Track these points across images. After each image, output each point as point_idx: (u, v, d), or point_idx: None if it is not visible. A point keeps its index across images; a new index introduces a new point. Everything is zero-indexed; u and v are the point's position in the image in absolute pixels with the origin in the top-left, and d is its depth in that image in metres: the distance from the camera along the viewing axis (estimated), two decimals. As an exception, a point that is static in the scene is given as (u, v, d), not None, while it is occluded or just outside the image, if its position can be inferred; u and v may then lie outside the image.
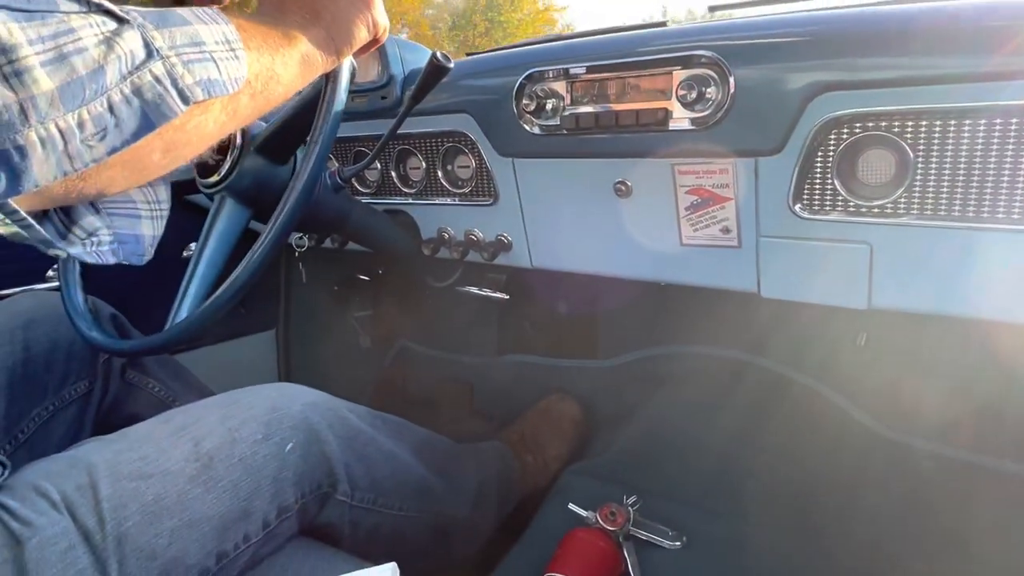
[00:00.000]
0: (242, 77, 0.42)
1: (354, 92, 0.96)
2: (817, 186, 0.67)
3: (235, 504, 0.56)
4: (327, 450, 0.64)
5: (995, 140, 0.57)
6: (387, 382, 1.42)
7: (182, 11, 0.40)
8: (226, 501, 0.56)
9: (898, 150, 0.62)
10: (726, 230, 0.75)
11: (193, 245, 0.80)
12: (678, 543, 0.83)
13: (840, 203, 0.67)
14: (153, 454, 0.55)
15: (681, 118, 0.71)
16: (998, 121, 0.56)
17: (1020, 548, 0.75)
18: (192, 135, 0.41)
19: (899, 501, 0.86)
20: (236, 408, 0.62)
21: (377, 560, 0.59)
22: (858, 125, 0.63)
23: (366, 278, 1.40)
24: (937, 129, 0.59)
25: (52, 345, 0.78)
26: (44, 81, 0.31)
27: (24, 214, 0.35)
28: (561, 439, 1.07)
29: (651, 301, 1.15)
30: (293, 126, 0.78)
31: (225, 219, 0.79)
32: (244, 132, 0.79)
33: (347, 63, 0.66)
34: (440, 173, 0.97)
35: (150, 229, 0.43)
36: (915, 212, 0.63)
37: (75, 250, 0.40)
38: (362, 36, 0.56)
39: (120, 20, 0.36)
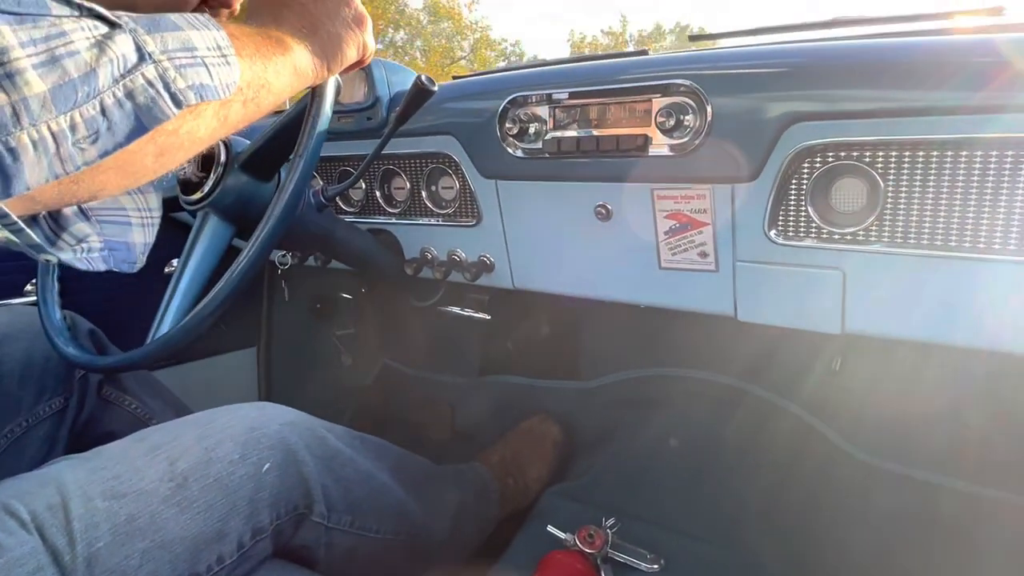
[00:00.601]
0: (234, 83, 0.42)
1: (340, 112, 0.97)
2: (791, 213, 0.69)
3: (209, 525, 0.55)
4: (304, 471, 0.64)
5: (961, 170, 0.59)
6: (368, 401, 1.42)
7: (174, 17, 0.41)
8: (200, 522, 0.55)
9: (869, 179, 0.64)
10: (704, 254, 0.76)
11: (175, 261, 0.80)
12: (656, 566, 0.83)
13: (814, 230, 0.68)
14: (127, 473, 0.54)
15: (660, 144, 0.73)
16: (964, 153, 0.58)
17: (991, 570, 0.76)
18: (184, 140, 0.41)
19: (880, 526, 0.86)
20: (213, 427, 0.61)
21: None
22: (831, 154, 0.65)
23: (349, 297, 1.40)
24: (907, 159, 0.61)
25: (27, 360, 0.77)
26: (36, 83, 0.31)
27: (15, 218, 0.35)
28: (542, 461, 1.06)
29: (633, 323, 1.16)
30: (277, 143, 0.79)
31: (208, 236, 0.79)
32: (228, 149, 0.80)
33: (332, 80, 0.67)
34: (424, 193, 0.98)
35: (141, 236, 0.43)
36: (886, 240, 0.64)
37: (65, 256, 0.39)
38: (351, 55, 0.57)
39: (111, 24, 0.36)
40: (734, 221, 0.72)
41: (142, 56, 0.36)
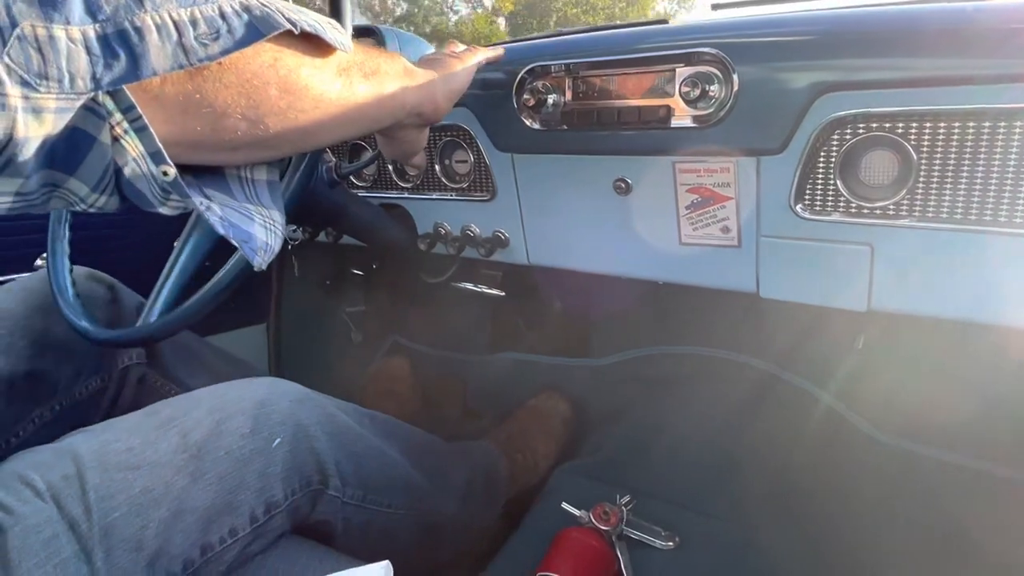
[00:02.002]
0: (347, 44, 0.44)
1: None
2: (819, 186, 0.67)
3: (220, 497, 0.55)
4: (316, 446, 0.63)
5: (999, 143, 0.57)
6: (378, 378, 1.41)
7: None
8: (212, 493, 0.55)
9: (901, 152, 0.62)
10: (726, 229, 0.74)
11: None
12: (671, 543, 0.83)
13: (842, 204, 0.66)
14: (140, 445, 0.53)
15: (683, 115, 0.71)
16: (1002, 124, 0.56)
17: (1018, 552, 0.75)
18: (309, 84, 0.43)
19: (894, 504, 0.86)
20: (224, 401, 0.61)
21: (367, 558, 0.58)
22: (861, 126, 0.63)
23: (360, 273, 1.39)
24: (941, 131, 0.59)
25: (46, 335, 0.76)
26: None
27: (140, 113, 0.34)
28: (550, 438, 1.06)
29: (647, 300, 1.14)
30: None
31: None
32: None
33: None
34: (438, 167, 0.96)
35: (263, 235, 0.42)
36: (917, 214, 0.63)
37: (193, 193, 0.39)
38: (463, 75, 0.67)
39: None
40: (759, 195, 0.70)
41: None
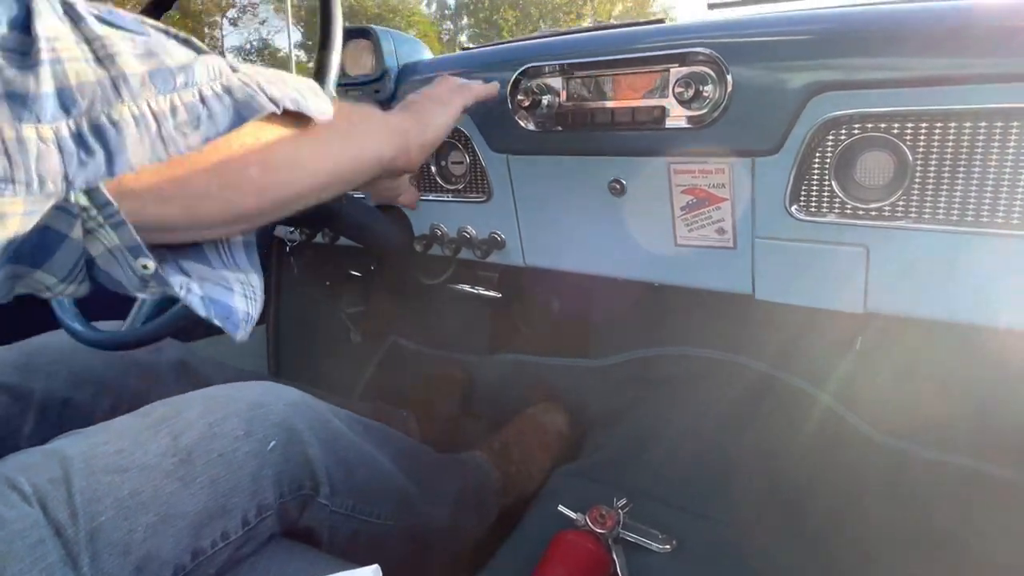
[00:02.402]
0: (327, 112, 0.43)
1: (347, 85, 0.95)
2: (814, 187, 0.66)
3: (213, 500, 0.55)
4: (309, 452, 0.63)
5: (995, 143, 0.56)
6: (376, 379, 1.41)
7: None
8: (204, 497, 0.55)
9: (897, 152, 0.62)
10: (721, 231, 0.74)
11: None
12: (668, 546, 0.82)
13: (837, 205, 0.66)
14: (130, 447, 0.53)
15: (678, 116, 0.70)
16: (999, 124, 0.56)
17: (1016, 553, 0.74)
18: (287, 160, 0.42)
19: (893, 506, 0.85)
20: (217, 403, 0.60)
21: (355, 566, 0.57)
22: (857, 126, 0.62)
23: (358, 274, 1.39)
24: (937, 131, 0.58)
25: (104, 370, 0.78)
26: (135, 64, 0.31)
27: (116, 208, 0.33)
28: (545, 451, 1.05)
29: (644, 301, 1.14)
30: None
31: None
32: None
33: (336, 58, 0.67)
34: (433, 168, 0.96)
35: (243, 305, 0.41)
36: (913, 215, 0.62)
37: (173, 278, 0.38)
38: (445, 116, 0.67)
39: (201, 52, 0.36)
40: (754, 196, 0.70)
41: (234, 69, 0.37)
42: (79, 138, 0.30)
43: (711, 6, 0.87)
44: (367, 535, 0.69)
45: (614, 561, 0.79)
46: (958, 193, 0.59)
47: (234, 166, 0.38)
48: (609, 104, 0.75)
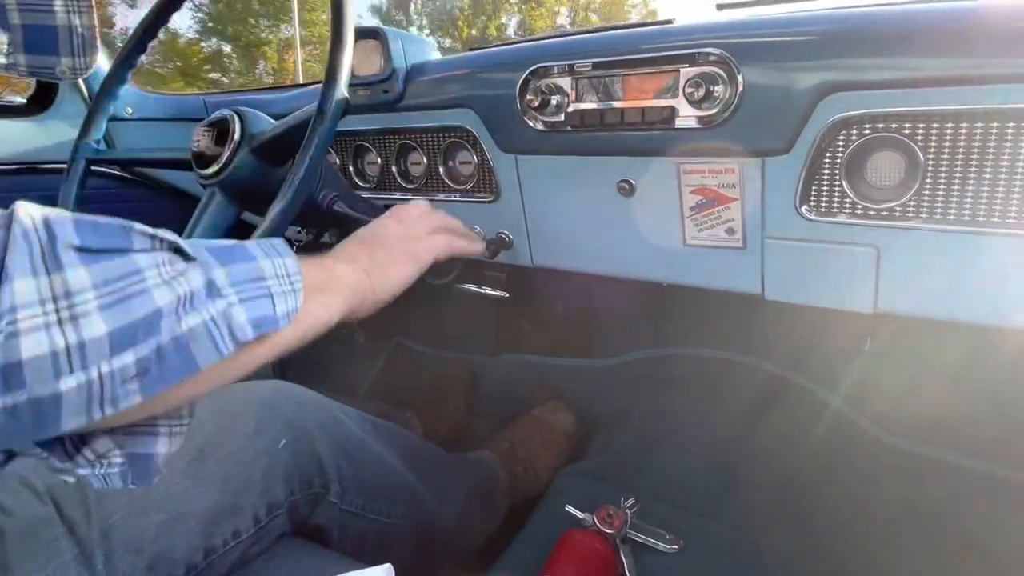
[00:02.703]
0: (296, 311, 0.42)
1: (356, 85, 0.95)
2: (825, 187, 0.66)
3: (224, 499, 0.55)
4: (319, 450, 0.63)
5: (1008, 144, 0.56)
6: (381, 379, 1.41)
7: (248, 245, 0.41)
8: (215, 495, 0.55)
9: (908, 152, 0.62)
10: (731, 231, 0.74)
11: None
12: (675, 546, 0.82)
13: (848, 205, 0.66)
14: None
15: (688, 116, 0.70)
16: (1011, 124, 0.56)
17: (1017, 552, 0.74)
18: (231, 372, 0.41)
19: (904, 509, 0.85)
20: (228, 403, 0.61)
21: (363, 565, 0.57)
22: (867, 126, 0.62)
23: None
24: (949, 132, 0.58)
25: None
26: (99, 326, 0.31)
27: (38, 448, 0.34)
28: (552, 451, 1.05)
29: (650, 302, 1.14)
30: (295, 134, 0.76)
31: (212, 213, 0.78)
32: (243, 125, 0.78)
33: (347, 65, 0.67)
34: (441, 169, 0.96)
35: (165, 447, 0.41)
36: (924, 215, 0.62)
37: (83, 471, 0.37)
38: (402, 283, 0.59)
39: (186, 258, 0.36)
40: (764, 196, 0.70)
41: (210, 291, 0.36)
42: (12, 411, 0.29)
43: (720, 7, 0.87)
44: (376, 534, 0.69)
45: (622, 561, 0.79)
46: (970, 193, 0.59)
47: (172, 395, 0.37)
48: (619, 104, 0.75)
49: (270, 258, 0.42)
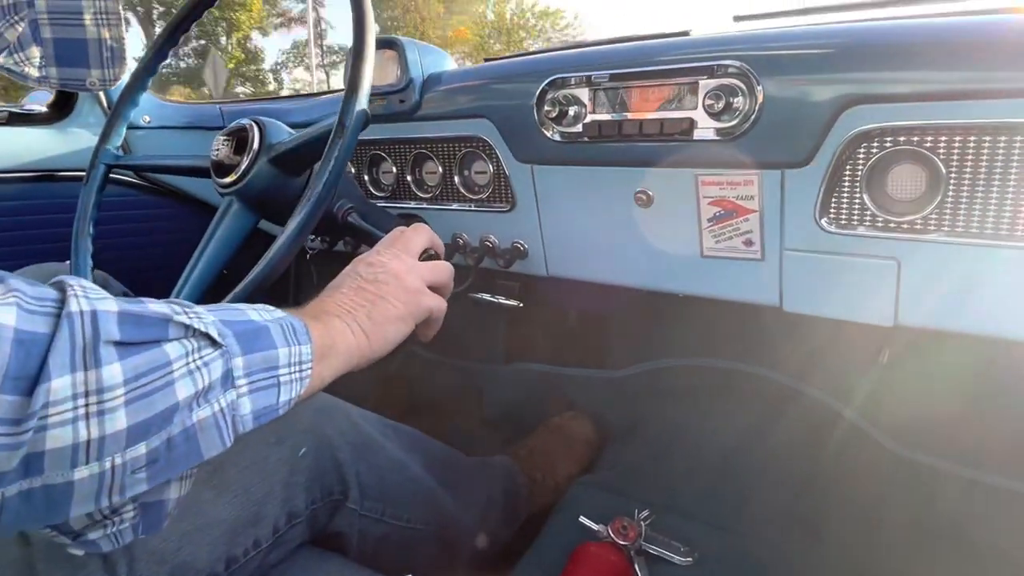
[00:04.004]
0: (297, 397, 0.44)
1: (372, 95, 0.95)
2: (845, 200, 0.66)
3: (246, 509, 0.55)
4: (339, 457, 0.63)
5: (1031, 157, 0.56)
6: (393, 388, 1.41)
7: (274, 332, 0.43)
8: (237, 506, 0.55)
9: (930, 165, 0.61)
10: (749, 242, 0.74)
11: None
12: (690, 559, 0.82)
13: (868, 218, 0.66)
14: None
15: (706, 128, 0.70)
16: (1035, 138, 0.55)
17: None
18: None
19: (915, 520, 0.84)
20: None
21: (382, 571, 0.57)
22: (888, 139, 0.62)
23: None
24: (971, 145, 0.58)
25: None
26: (121, 421, 0.32)
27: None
28: (572, 460, 1.05)
29: (664, 312, 1.14)
30: (314, 146, 0.76)
31: (230, 222, 0.79)
32: (262, 135, 0.79)
33: (362, 109, 0.67)
34: (457, 178, 0.97)
35: (177, 491, 0.41)
36: (946, 229, 0.62)
37: (94, 535, 0.38)
38: (398, 338, 0.57)
39: (214, 344, 0.37)
40: (783, 208, 0.70)
41: (226, 382, 0.38)
42: (27, 495, 0.30)
43: (737, 19, 0.87)
44: (396, 539, 0.69)
45: (637, 573, 0.79)
46: (992, 207, 0.59)
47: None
48: (636, 115, 0.75)
49: (289, 346, 0.43)
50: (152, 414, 0.33)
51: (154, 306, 0.36)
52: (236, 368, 0.39)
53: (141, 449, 0.33)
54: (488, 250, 0.96)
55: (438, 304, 0.60)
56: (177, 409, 0.35)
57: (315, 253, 1.22)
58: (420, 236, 0.64)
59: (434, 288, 0.61)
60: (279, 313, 0.45)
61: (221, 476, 0.55)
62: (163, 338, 0.35)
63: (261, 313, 0.44)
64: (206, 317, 0.39)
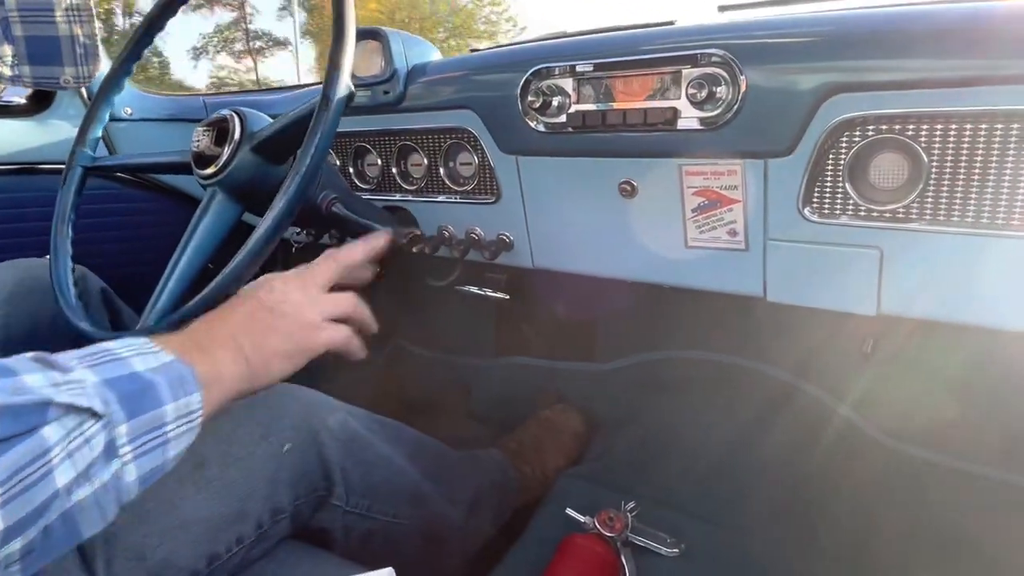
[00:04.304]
0: (187, 447, 0.43)
1: (357, 86, 0.94)
2: (828, 189, 0.66)
3: (229, 506, 0.55)
4: (325, 453, 0.63)
5: (1012, 145, 0.56)
6: (380, 382, 1.41)
7: (161, 389, 0.41)
8: (219, 502, 0.54)
9: (912, 154, 0.61)
10: (733, 232, 0.73)
11: None
12: (676, 551, 0.82)
13: (851, 207, 0.66)
14: None
15: (690, 117, 0.70)
16: (1015, 126, 0.55)
17: None
18: None
19: (907, 513, 0.84)
20: (232, 407, 0.60)
21: (367, 565, 0.57)
22: (871, 128, 0.62)
23: None
24: (953, 133, 0.58)
25: (33, 322, 0.75)
26: None
27: None
28: (562, 452, 1.05)
29: (652, 304, 1.14)
30: (296, 130, 0.75)
31: (213, 214, 0.78)
32: (243, 124, 0.78)
33: (348, 63, 0.66)
34: (442, 170, 0.96)
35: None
36: (928, 217, 0.62)
37: None
38: (285, 370, 0.55)
39: (96, 416, 0.35)
40: (766, 198, 0.70)
41: (109, 454, 0.36)
42: None
43: (722, 8, 0.86)
44: (382, 534, 0.69)
45: (623, 565, 0.79)
46: (973, 195, 0.59)
47: None
48: (620, 105, 0.75)
49: (176, 400, 0.41)
50: (29, 510, 0.32)
51: (30, 379, 0.34)
52: (120, 436, 0.37)
53: (16, 545, 0.32)
54: (474, 242, 0.96)
55: (342, 337, 0.59)
56: (56, 496, 0.33)
57: (301, 247, 1.21)
58: (328, 269, 0.62)
59: (340, 320, 0.59)
60: (166, 356, 0.43)
61: (203, 473, 0.54)
62: (41, 423, 0.33)
63: (148, 359, 0.42)
64: (88, 382, 0.36)
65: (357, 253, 0.65)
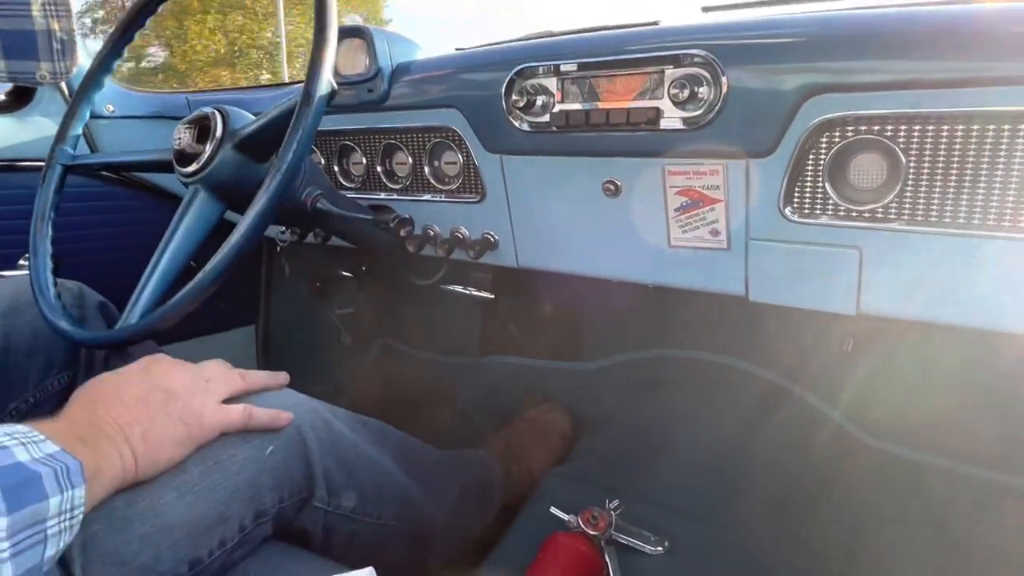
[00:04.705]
0: (63, 547, 0.41)
1: (341, 84, 0.94)
2: (808, 189, 0.67)
3: (211, 509, 0.54)
4: (308, 455, 0.62)
5: (987, 146, 0.57)
6: (367, 381, 1.40)
7: (47, 481, 0.39)
8: (201, 506, 0.53)
9: (890, 154, 0.62)
10: (715, 232, 0.74)
11: None
12: (660, 548, 0.82)
13: (831, 207, 0.66)
14: None
15: (672, 117, 0.70)
16: (991, 127, 0.56)
17: (1017, 559, 0.75)
18: None
19: (890, 509, 0.85)
20: None
21: (351, 566, 0.57)
22: (851, 128, 0.63)
23: (350, 274, 1.38)
24: (930, 134, 0.59)
25: (35, 333, 0.75)
26: None
27: None
28: (548, 452, 1.05)
29: (637, 303, 1.14)
30: (277, 126, 0.74)
31: (195, 212, 0.77)
32: (225, 122, 0.77)
33: (330, 58, 0.65)
34: (427, 169, 0.96)
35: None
36: (906, 217, 0.62)
37: None
38: (172, 460, 0.53)
39: None
40: (748, 198, 0.70)
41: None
42: None
43: (706, 9, 0.87)
44: (365, 535, 0.68)
45: (607, 563, 0.79)
46: (950, 195, 0.60)
47: None
48: (604, 105, 0.75)
49: (62, 493, 0.40)
50: None
51: None
52: None
53: None
54: (459, 241, 0.96)
55: (240, 419, 0.57)
56: None
57: (286, 246, 1.21)
58: (229, 385, 0.60)
59: (238, 402, 0.59)
60: (52, 447, 0.41)
61: (183, 477, 0.54)
62: None
63: (31, 450, 0.40)
64: None
65: (258, 382, 0.63)
